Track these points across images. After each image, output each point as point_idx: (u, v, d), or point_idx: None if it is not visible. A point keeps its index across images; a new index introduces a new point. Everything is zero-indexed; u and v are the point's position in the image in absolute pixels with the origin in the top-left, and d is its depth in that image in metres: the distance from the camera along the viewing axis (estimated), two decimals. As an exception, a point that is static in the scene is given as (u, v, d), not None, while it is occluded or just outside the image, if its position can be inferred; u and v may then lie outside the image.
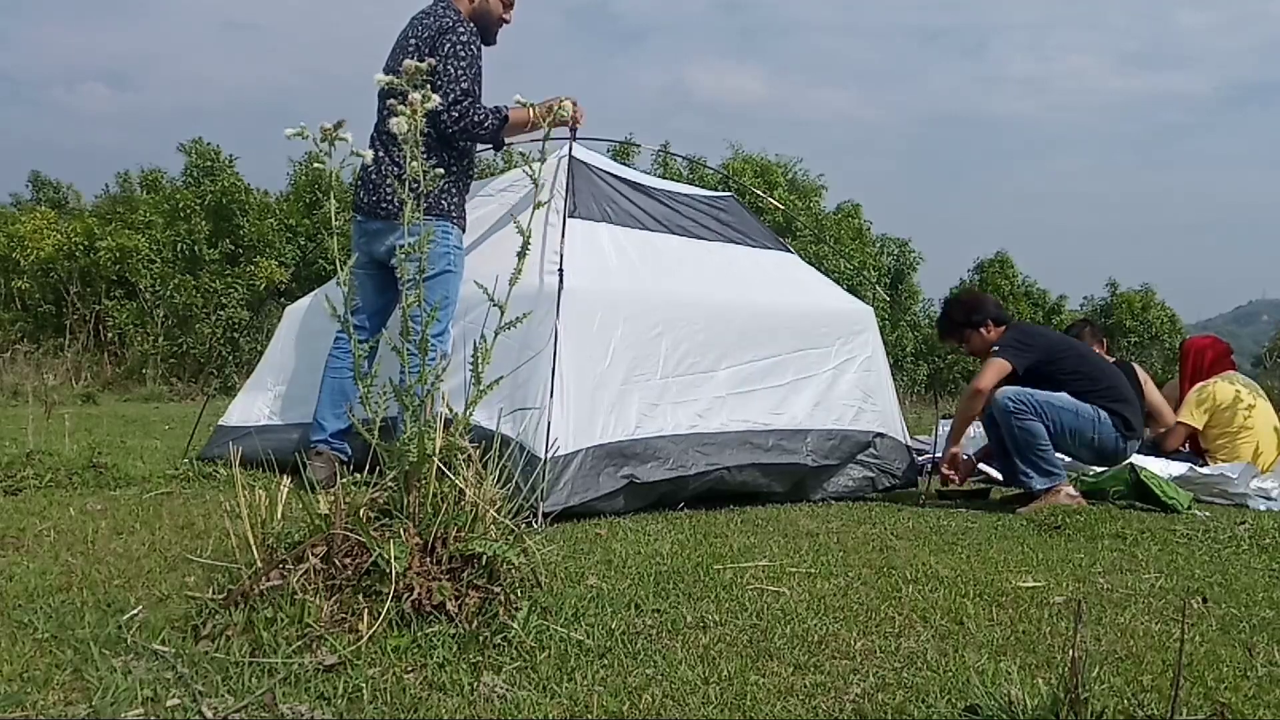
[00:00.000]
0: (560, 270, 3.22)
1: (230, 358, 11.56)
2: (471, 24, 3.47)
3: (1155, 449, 5.22)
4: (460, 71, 3.34)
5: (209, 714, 1.41)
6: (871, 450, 3.97)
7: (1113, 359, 5.67)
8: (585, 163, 3.73)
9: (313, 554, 1.76)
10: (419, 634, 1.70)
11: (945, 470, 4.17)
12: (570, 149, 3.68)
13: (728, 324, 3.69)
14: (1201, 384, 5.34)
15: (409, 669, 1.60)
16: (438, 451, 1.88)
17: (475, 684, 1.55)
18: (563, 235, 3.32)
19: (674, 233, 3.83)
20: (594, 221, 3.59)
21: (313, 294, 4.61)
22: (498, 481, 1.94)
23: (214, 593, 1.82)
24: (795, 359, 3.88)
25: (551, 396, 3.07)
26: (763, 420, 3.67)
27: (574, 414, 3.12)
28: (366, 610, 1.70)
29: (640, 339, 3.44)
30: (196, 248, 12.95)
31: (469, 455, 1.92)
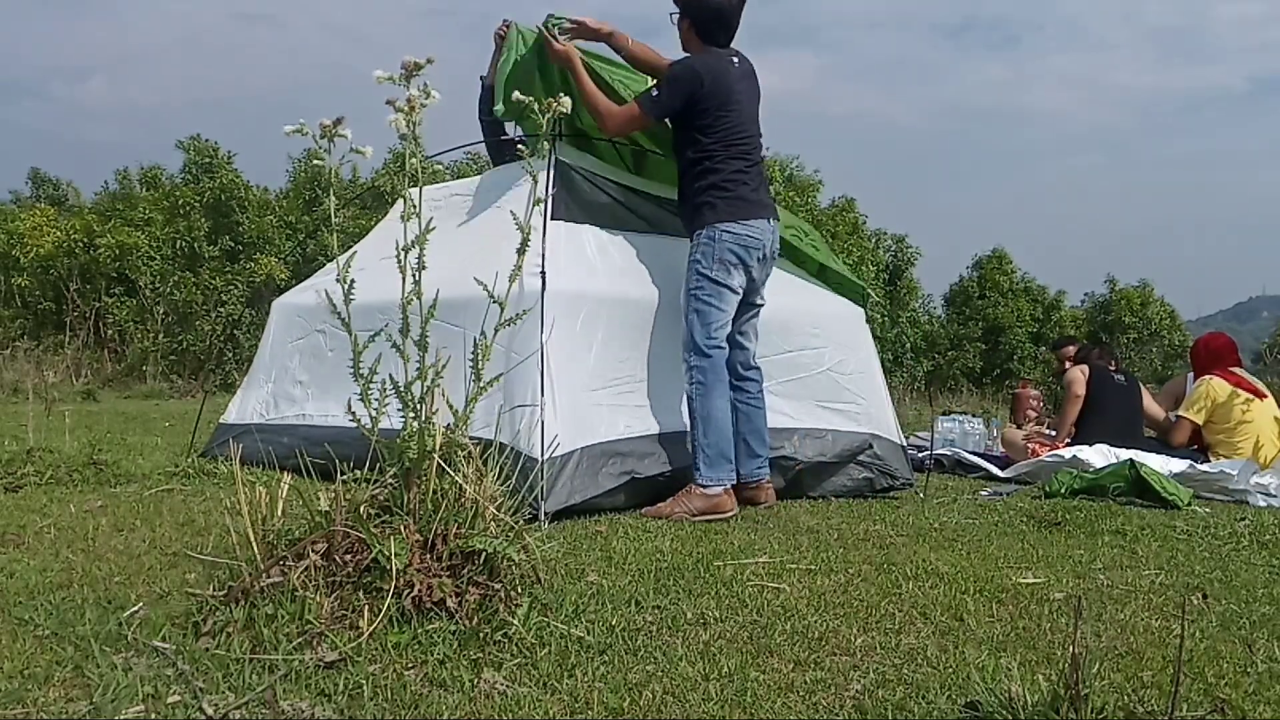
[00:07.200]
0: (542, 273, 3.21)
1: (230, 354, 11.57)
2: None
3: (1162, 445, 5.25)
4: None
5: (209, 711, 1.41)
6: (870, 451, 3.96)
7: (1116, 369, 5.70)
8: (570, 164, 3.70)
9: (313, 551, 1.76)
10: (419, 630, 1.70)
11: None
12: (554, 152, 3.64)
13: None
14: (1200, 380, 5.38)
15: (409, 665, 1.60)
16: (438, 448, 1.88)
17: (475, 680, 1.55)
18: (544, 237, 3.30)
19: (663, 233, 3.79)
20: (578, 224, 3.56)
21: (303, 287, 4.59)
22: (497, 480, 1.94)
23: (214, 589, 1.82)
24: (786, 360, 3.87)
25: (543, 397, 3.06)
26: None
27: (566, 415, 3.12)
28: (367, 607, 1.70)
29: (625, 340, 3.43)
30: (196, 245, 12.96)
31: (469, 452, 1.92)
